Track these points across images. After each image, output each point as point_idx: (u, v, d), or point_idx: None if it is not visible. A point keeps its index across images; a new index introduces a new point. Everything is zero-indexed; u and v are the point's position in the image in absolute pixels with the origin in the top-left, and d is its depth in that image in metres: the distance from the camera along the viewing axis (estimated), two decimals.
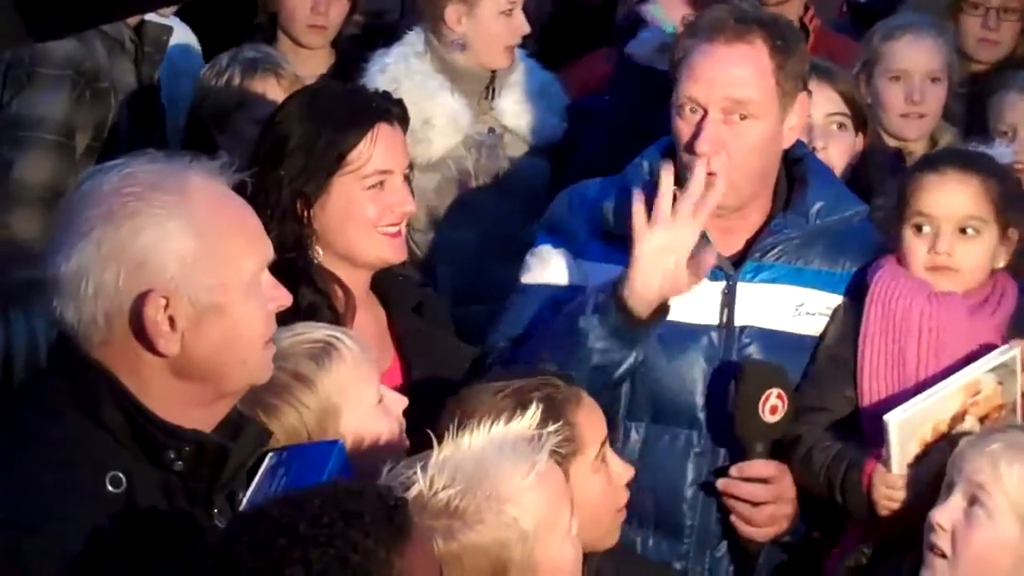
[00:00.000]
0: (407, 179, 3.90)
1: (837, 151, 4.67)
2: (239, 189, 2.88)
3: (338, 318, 3.72)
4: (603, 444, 3.37)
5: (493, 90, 5.16)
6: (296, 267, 3.68)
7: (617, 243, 3.84)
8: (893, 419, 3.70)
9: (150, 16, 5.22)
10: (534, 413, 3.10)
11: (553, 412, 3.21)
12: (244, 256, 2.81)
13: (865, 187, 4.48)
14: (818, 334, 3.96)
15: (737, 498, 3.87)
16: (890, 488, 3.73)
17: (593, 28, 6.15)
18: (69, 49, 4.96)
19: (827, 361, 3.93)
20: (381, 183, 3.82)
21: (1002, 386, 3.78)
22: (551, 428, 3.06)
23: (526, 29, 5.17)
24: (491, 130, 5.16)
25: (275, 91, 4.90)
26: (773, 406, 3.80)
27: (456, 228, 5.09)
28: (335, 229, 3.80)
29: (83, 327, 2.76)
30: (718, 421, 3.91)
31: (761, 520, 3.88)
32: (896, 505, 3.74)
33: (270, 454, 3.07)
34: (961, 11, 5.71)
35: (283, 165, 3.78)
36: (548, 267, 4.00)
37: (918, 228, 3.89)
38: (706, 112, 3.81)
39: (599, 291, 3.76)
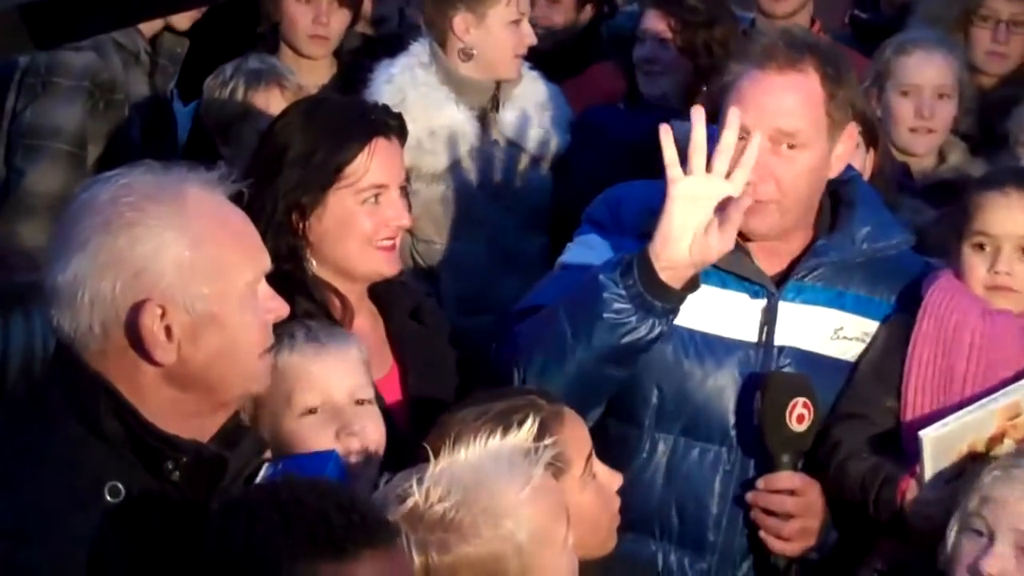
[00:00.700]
0: (404, 192, 3.90)
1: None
2: (237, 199, 2.88)
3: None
4: (589, 457, 3.35)
5: (498, 102, 5.16)
6: (293, 278, 3.67)
7: None
8: (928, 435, 3.68)
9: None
10: (530, 426, 3.09)
11: (537, 432, 3.17)
12: (241, 266, 2.82)
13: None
14: (854, 360, 3.94)
15: (765, 511, 3.85)
16: (923, 506, 3.71)
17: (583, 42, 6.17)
18: (88, 60, 4.99)
19: (872, 370, 3.91)
20: (377, 197, 3.81)
21: None
22: (543, 443, 3.04)
23: (533, 40, 5.17)
24: (495, 142, 5.17)
25: (279, 102, 4.87)
26: (800, 415, 3.78)
27: (460, 239, 5.10)
28: (331, 242, 3.80)
29: (80, 336, 2.77)
30: (749, 439, 3.89)
31: (789, 533, 3.86)
32: (929, 524, 3.69)
33: (267, 464, 3.06)
34: (971, 24, 5.73)
35: (280, 176, 3.78)
36: (589, 250, 3.94)
37: (979, 247, 3.89)
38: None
39: (624, 254, 3.68)
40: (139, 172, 2.82)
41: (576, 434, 3.34)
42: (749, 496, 3.86)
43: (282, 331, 3.18)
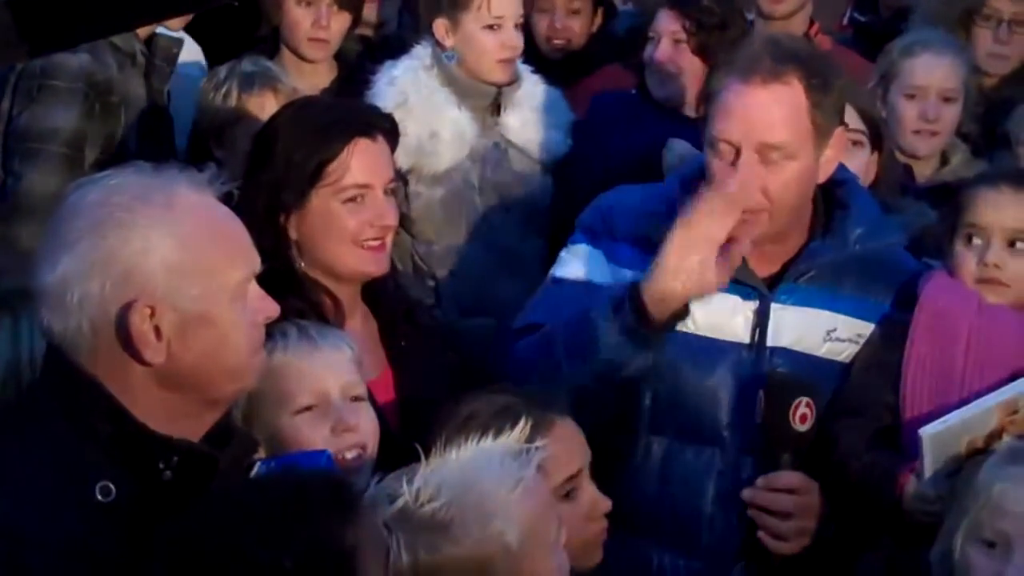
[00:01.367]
0: (393, 193, 3.90)
1: (852, 168, 4.65)
2: (226, 200, 2.89)
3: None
4: (574, 476, 3.33)
5: (499, 105, 5.17)
6: (283, 277, 3.67)
7: (649, 249, 3.78)
8: (927, 433, 3.67)
9: (160, 29, 5.24)
10: (523, 427, 3.09)
11: (530, 434, 3.14)
12: (230, 266, 2.82)
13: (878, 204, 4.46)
14: (847, 361, 3.94)
15: (763, 510, 3.85)
16: (923, 502, 3.71)
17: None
18: (83, 62, 4.98)
19: (869, 367, 3.91)
20: (360, 197, 3.81)
21: None
22: (535, 444, 3.04)
23: (516, 44, 5.16)
24: (496, 144, 5.17)
25: (272, 106, 4.84)
26: (803, 415, 3.77)
27: (461, 241, 5.10)
28: (316, 241, 3.80)
29: (69, 337, 2.78)
30: (742, 440, 3.90)
31: (786, 532, 3.85)
32: (929, 519, 3.68)
33: (259, 463, 3.07)
34: (973, 23, 5.71)
35: (265, 175, 3.79)
36: (581, 263, 3.97)
37: (968, 239, 3.89)
38: (739, 151, 3.76)
39: (619, 287, 3.72)
40: (129, 173, 2.83)
41: (568, 446, 3.33)
42: (747, 494, 3.85)
43: (275, 330, 3.19)
